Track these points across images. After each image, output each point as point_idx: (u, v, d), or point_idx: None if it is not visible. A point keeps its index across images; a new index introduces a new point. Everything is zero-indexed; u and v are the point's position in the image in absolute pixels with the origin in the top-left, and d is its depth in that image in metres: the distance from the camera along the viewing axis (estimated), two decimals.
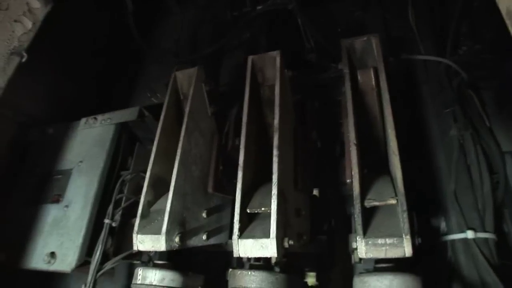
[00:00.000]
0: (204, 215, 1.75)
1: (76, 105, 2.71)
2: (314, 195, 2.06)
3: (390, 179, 1.50)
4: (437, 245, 1.82)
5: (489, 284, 1.58)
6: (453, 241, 1.75)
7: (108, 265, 1.83)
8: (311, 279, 2.06)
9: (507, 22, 1.10)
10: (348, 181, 1.58)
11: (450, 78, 2.07)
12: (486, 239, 1.68)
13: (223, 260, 2.02)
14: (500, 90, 2.10)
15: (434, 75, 2.13)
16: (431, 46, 2.22)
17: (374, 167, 1.66)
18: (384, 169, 1.63)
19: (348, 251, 1.80)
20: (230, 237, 1.86)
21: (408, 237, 1.22)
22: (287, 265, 1.68)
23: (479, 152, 1.86)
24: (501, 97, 2.09)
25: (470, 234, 1.68)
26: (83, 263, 1.90)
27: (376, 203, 1.36)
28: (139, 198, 1.68)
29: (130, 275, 1.83)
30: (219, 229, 1.88)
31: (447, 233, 1.80)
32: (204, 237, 1.74)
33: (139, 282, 1.57)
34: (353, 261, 1.70)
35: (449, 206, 1.80)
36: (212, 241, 1.81)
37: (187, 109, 1.78)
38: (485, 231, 1.69)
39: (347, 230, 1.73)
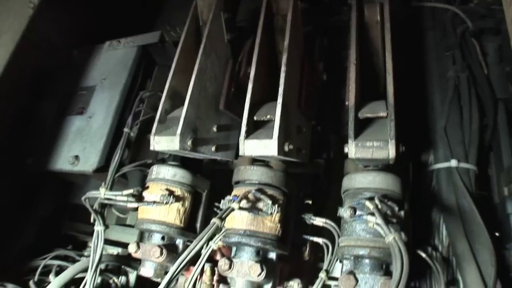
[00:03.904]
0: (214, 129, 1.92)
1: (97, 38, 2.87)
2: (316, 126, 2.22)
3: (385, 103, 1.65)
4: (424, 174, 2.00)
5: (464, 207, 1.76)
6: (438, 170, 1.91)
7: (125, 169, 2.04)
8: None
9: None
10: (347, 103, 1.73)
11: (455, 26, 2.18)
12: (467, 169, 1.85)
13: (228, 179, 2.22)
14: (503, 43, 2.20)
15: (441, 23, 2.23)
16: None
17: (373, 96, 1.81)
18: (382, 98, 1.78)
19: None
20: (237, 156, 2.04)
21: (393, 141, 1.39)
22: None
23: (473, 94, 2.00)
24: (503, 49, 2.20)
25: (453, 163, 1.84)
26: (102, 168, 2.12)
27: (369, 115, 1.53)
28: (156, 114, 1.86)
29: (142, 186, 2.02)
30: (226, 146, 2.06)
31: (434, 164, 1.97)
32: (213, 148, 1.91)
33: (153, 176, 1.78)
34: None
35: (438, 139, 1.96)
36: (220, 155, 1.99)
37: (206, 32, 1.92)
38: (467, 162, 1.86)
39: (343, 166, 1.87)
